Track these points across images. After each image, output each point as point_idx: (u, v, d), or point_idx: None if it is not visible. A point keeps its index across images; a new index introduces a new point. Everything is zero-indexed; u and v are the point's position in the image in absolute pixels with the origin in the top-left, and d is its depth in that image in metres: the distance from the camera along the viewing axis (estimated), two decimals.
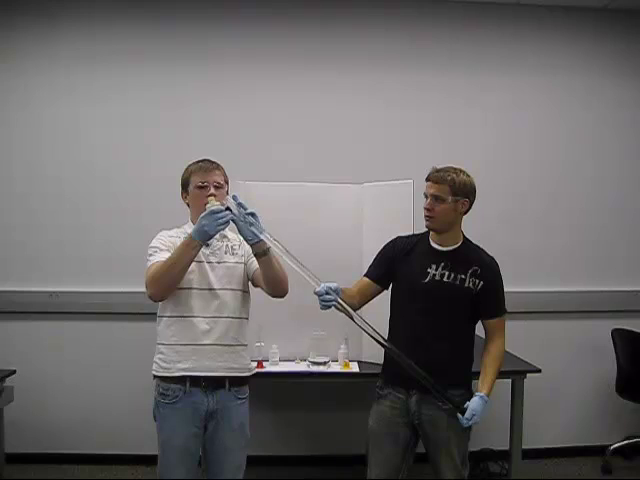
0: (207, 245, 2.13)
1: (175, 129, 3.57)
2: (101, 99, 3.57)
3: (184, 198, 2.23)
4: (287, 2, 3.62)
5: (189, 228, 2.14)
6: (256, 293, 2.25)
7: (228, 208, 1.96)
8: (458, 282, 2.17)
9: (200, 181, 2.14)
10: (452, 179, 2.14)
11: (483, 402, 2.11)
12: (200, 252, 2.07)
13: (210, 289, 2.13)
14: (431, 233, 2.25)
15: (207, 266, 2.14)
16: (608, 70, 3.78)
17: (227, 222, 1.96)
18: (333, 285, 2.01)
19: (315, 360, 2.93)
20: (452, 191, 2.14)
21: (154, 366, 2.14)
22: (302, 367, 2.94)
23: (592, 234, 3.78)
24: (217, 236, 2.11)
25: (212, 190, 2.11)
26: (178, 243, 2.06)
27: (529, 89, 3.75)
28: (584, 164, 3.79)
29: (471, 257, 2.21)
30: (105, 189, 3.57)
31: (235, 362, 2.14)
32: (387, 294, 2.32)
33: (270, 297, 2.19)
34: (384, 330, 2.18)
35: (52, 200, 3.55)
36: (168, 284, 2.04)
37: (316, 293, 1.98)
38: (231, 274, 2.17)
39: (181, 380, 2.09)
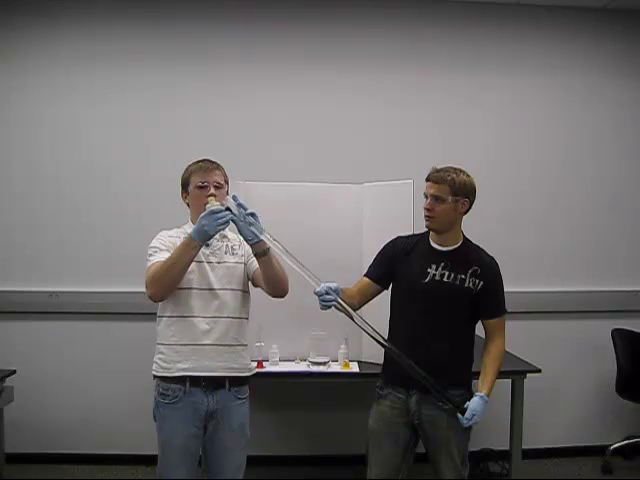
0: (207, 245, 2.13)
1: (175, 129, 3.57)
2: (101, 99, 3.57)
3: (184, 198, 2.23)
4: (287, 2, 3.62)
5: (189, 228, 2.14)
6: (256, 293, 2.25)
7: (228, 208, 1.96)
8: (458, 282, 2.17)
9: (200, 181, 2.14)
10: (452, 179, 2.14)
11: (483, 402, 2.11)
12: (200, 252, 2.07)
13: (210, 289, 2.13)
14: (431, 233, 2.25)
15: (207, 266, 2.14)
16: (608, 70, 3.78)
17: (227, 222, 1.96)
18: (333, 285, 2.01)
19: (315, 360, 2.93)
20: (452, 191, 2.14)
21: (154, 366, 2.14)
22: (302, 367, 2.94)
23: (592, 234, 3.78)
24: (217, 236, 2.11)
25: (212, 190, 2.11)
26: (178, 243, 2.06)
27: (529, 89, 3.75)
28: (584, 164, 3.79)
29: (471, 257, 2.21)
30: (105, 189, 3.57)
31: (235, 362, 2.14)
32: (387, 294, 2.32)
33: (270, 297, 2.19)
34: (384, 330, 2.18)
35: (52, 200, 3.55)
36: (168, 284, 2.04)
37: (316, 293, 1.98)
38: (231, 274, 2.17)
39: (181, 380, 2.09)
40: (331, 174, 3.24)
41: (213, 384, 2.11)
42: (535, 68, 3.74)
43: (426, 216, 2.19)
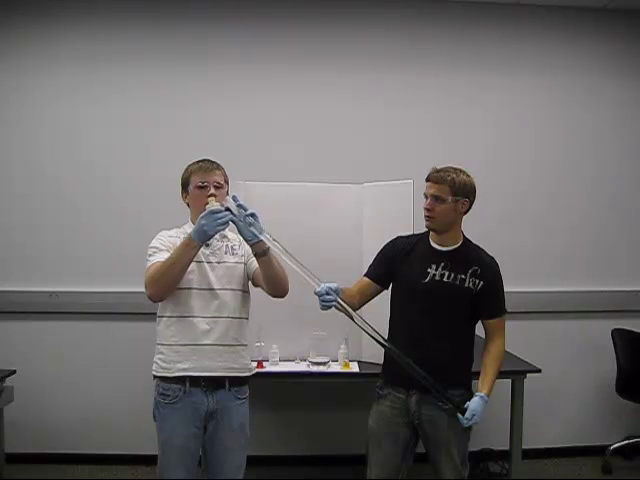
0: (207, 245, 2.13)
1: (175, 129, 3.57)
2: (101, 99, 3.57)
3: (184, 198, 2.23)
4: (287, 2, 3.62)
5: (189, 228, 2.14)
6: (256, 293, 2.25)
7: (228, 208, 1.96)
8: (458, 282, 2.17)
9: (200, 181, 2.14)
10: (452, 179, 2.14)
11: (483, 402, 2.11)
12: (200, 252, 2.07)
13: (210, 289, 2.13)
14: (431, 233, 2.25)
15: (207, 266, 2.14)
16: (608, 70, 3.78)
17: (226, 223, 1.96)
18: (333, 285, 2.01)
19: (315, 360, 2.93)
20: (452, 191, 2.14)
21: (154, 366, 2.14)
22: (302, 367, 2.94)
23: (592, 234, 3.78)
24: (217, 236, 2.11)
25: (212, 190, 2.11)
26: (178, 243, 2.06)
27: (529, 89, 3.75)
28: (584, 164, 3.79)
29: (471, 257, 2.21)
30: (105, 189, 3.57)
31: (235, 362, 2.14)
32: (387, 294, 2.32)
33: (270, 297, 2.19)
34: (384, 330, 2.18)
35: (52, 200, 3.55)
36: (167, 284, 2.04)
37: (316, 293, 1.98)
38: (231, 274, 2.17)
39: (181, 380, 2.09)
40: (331, 174, 3.24)
41: (213, 384, 2.11)
42: (535, 68, 3.74)
43: (426, 216, 2.19)
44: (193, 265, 2.08)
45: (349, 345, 2.94)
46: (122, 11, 3.57)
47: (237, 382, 2.16)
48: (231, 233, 2.22)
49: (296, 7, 3.63)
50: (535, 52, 3.74)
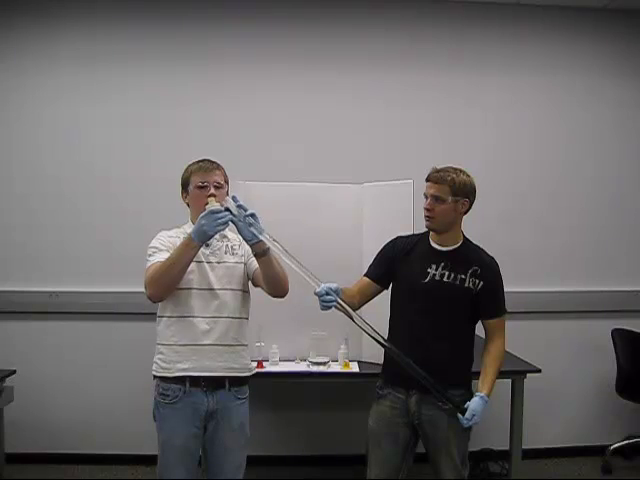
0: (207, 245, 2.13)
1: (175, 129, 3.57)
2: (101, 99, 3.57)
3: (184, 198, 2.23)
4: (287, 2, 3.62)
5: (189, 228, 2.14)
6: (256, 293, 2.25)
7: (228, 209, 1.96)
8: (458, 282, 2.17)
9: (200, 181, 2.14)
10: (452, 179, 2.14)
11: (483, 402, 2.11)
12: (200, 252, 2.07)
13: (210, 289, 2.13)
14: (431, 233, 2.25)
15: (207, 266, 2.14)
16: (608, 70, 3.78)
17: (226, 223, 1.96)
18: (333, 286, 2.00)
19: (315, 360, 2.93)
20: (452, 191, 2.14)
21: (154, 366, 2.14)
22: (302, 367, 2.94)
23: (592, 234, 3.78)
24: (217, 236, 2.11)
25: (212, 190, 2.11)
26: (178, 243, 2.06)
27: (529, 89, 3.75)
28: (584, 164, 3.79)
29: (471, 257, 2.21)
30: (105, 189, 3.57)
31: (235, 362, 2.14)
32: (387, 294, 2.32)
33: (270, 297, 2.19)
34: (384, 330, 2.18)
35: (52, 200, 3.55)
36: (167, 284, 2.04)
37: (316, 294, 1.98)
38: (231, 274, 2.17)
39: (181, 380, 2.09)
40: (331, 174, 3.24)
41: (213, 384, 2.11)
42: (535, 68, 3.74)
43: (426, 216, 2.19)
44: (193, 265, 2.07)
45: (349, 345, 2.94)
46: (122, 11, 3.57)
47: (237, 382, 2.16)
48: (231, 233, 2.22)
49: (296, 7, 3.63)
50: (535, 52, 3.74)
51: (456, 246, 2.22)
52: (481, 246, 2.27)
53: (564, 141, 3.78)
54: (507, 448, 2.94)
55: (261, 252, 2.02)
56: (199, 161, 2.21)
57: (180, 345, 2.10)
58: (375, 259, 2.34)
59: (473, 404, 2.10)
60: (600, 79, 3.78)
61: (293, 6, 3.62)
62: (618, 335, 3.50)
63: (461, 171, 2.19)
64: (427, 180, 2.20)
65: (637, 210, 3.82)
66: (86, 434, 3.54)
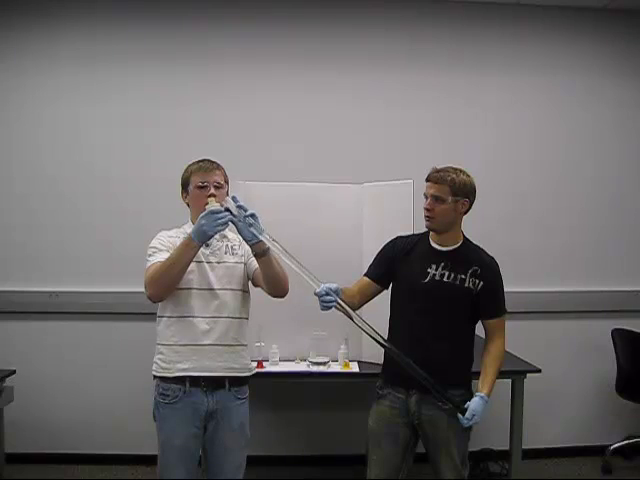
0: (207, 245, 2.13)
1: (175, 129, 3.57)
2: (101, 99, 3.57)
3: (184, 198, 2.23)
4: (287, 2, 3.62)
5: (189, 228, 2.14)
6: (256, 293, 2.25)
7: (228, 209, 1.96)
8: (458, 282, 2.17)
9: (200, 181, 2.14)
10: (452, 179, 2.14)
11: (483, 402, 2.11)
12: (200, 252, 2.07)
13: (210, 289, 2.12)
14: (431, 233, 2.25)
15: (207, 266, 2.14)
16: (608, 70, 3.78)
17: (226, 223, 1.96)
18: (333, 286, 2.00)
19: (315, 360, 2.93)
20: (452, 191, 2.14)
21: (154, 366, 2.14)
22: (302, 367, 2.94)
23: (592, 234, 3.78)
24: (217, 236, 2.11)
25: (212, 190, 2.11)
26: (178, 243, 2.06)
27: (529, 89, 3.75)
28: (584, 164, 3.79)
29: (471, 257, 2.21)
30: (105, 189, 3.57)
31: (235, 362, 2.14)
32: (387, 294, 2.32)
33: (270, 297, 2.19)
34: (384, 330, 2.18)
35: (52, 200, 3.55)
36: (167, 284, 2.04)
37: (316, 294, 1.98)
38: (231, 274, 2.17)
39: (181, 380, 2.09)
40: (331, 174, 3.25)
41: (213, 384, 2.10)
42: (535, 68, 3.74)
43: (426, 216, 2.19)
44: (193, 265, 2.07)
45: (349, 345, 2.94)
46: (122, 11, 3.57)
47: (237, 382, 2.16)
48: (231, 233, 2.22)
49: (296, 7, 3.63)
50: (535, 52, 3.74)
51: (456, 246, 2.22)
52: (481, 246, 2.27)
53: (564, 141, 3.78)
54: (507, 448, 2.94)
55: (261, 252, 2.01)
56: (199, 161, 2.21)
57: (180, 345, 2.10)
58: (375, 259, 2.34)
59: (473, 404, 2.10)
60: (600, 79, 3.78)
61: (293, 6, 3.63)
62: (618, 335, 3.50)
63: (461, 171, 2.19)
64: (427, 180, 2.20)
65: (637, 210, 3.82)
66: (86, 434, 3.54)
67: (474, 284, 2.17)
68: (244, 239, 2.01)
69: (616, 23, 3.76)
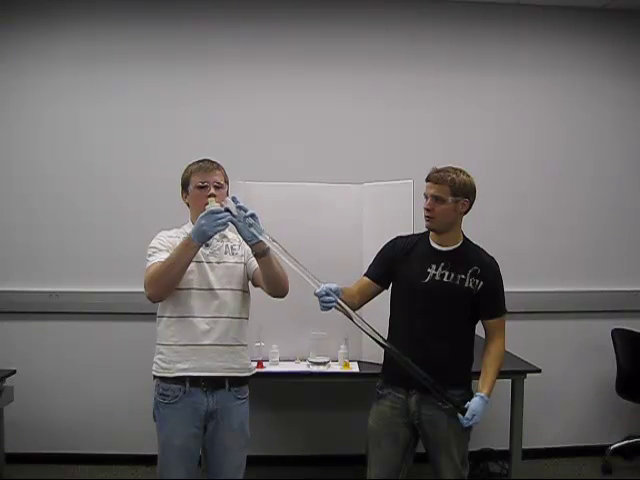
0: (207, 245, 2.13)
1: (175, 129, 3.57)
2: (101, 99, 3.57)
3: (184, 198, 2.23)
4: (287, 2, 3.62)
5: (189, 228, 2.14)
6: (256, 293, 2.25)
7: (228, 209, 1.96)
8: (458, 282, 2.17)
9: (200, 181, 2.14)
10: (452, 179, 2.14)
11: (483, 402, 2.11)
12: (200, 252, 2.07)
13: (210, 289, 2.12)
14: (431, 233, 2.25)
15: (207, 266, 2.14)
16: (608, 70, 3.78)
17: (226, 223, 1.96)
18: (333, 286, 2.00)
19: (315, 360, 2.93)
20: (452, 191, 2.14)
21: (154, 366, 2.14)
22: (302, 367, 2.94)
23: (592, 234, 3.78)
24: (217, 236, 2.11)
25: (212, 190, 2.11)
26: (178, 243, 2.06)
27: (529, 89, 3.75)
28: (584, 164, 3.79)
29: (471, 257, 2.21)
30: (105, 189, 3.57)
31: (235, 362, 2.14)
32: (387, 294, 2.32)
33: (270, 297, 2.19)
34: (384, 330, 2.18)
35: (52, 200, 3.55)
36: (167, 284, 2.04)
37: (316, 294, 1.98)
38: (231, 274, 2.17)
39: (181, 380, 2.09)
40: (331, 174, 3.25)
41: (213, 384, 2.11)
42: (535, 68, 3.74)
43: (426, 216, 2.19)
44: (193, 265, 2.07)
45: (349, 345, 2.94)
46: (122, 11, 3.57)
47: (237, 382, 2.16)
48: (231, 233, 2.22)
49: (296, 7, 3.63)
50: (535, 52, 3.74)
51: (456, 246, 2.22)
52: (481, 246, 2.27)
53: (564, 141, 3.78)
54: (507, 448, 2.94)
55: (261, 252, 2.01)
56: (199, 161, 2.21)
57: (180, 345, 2.10)
58: (375, 259, 2.34)
59: (473, 404, 2.10)
60: (600, 79, 3.78)
61: (293, 6, 3.63)
62: (618, 335, 3.50)
63: (461, 171, 2.19)
64: (427, 180, 2.20)
65: (637, 210, 3.82)
66: (86, 434, 3.54)
67: (474, 284, 2.17)
68: (244, 239, 2.01)
69: (616, 23, 3.76)
